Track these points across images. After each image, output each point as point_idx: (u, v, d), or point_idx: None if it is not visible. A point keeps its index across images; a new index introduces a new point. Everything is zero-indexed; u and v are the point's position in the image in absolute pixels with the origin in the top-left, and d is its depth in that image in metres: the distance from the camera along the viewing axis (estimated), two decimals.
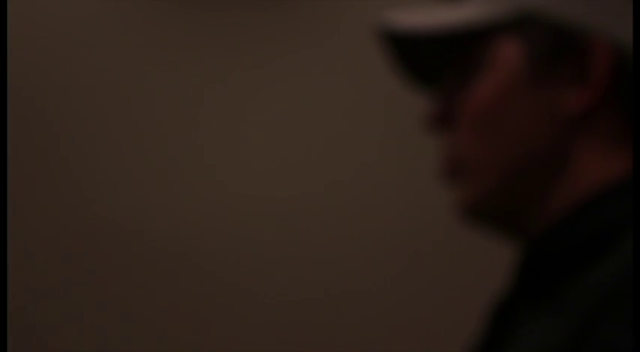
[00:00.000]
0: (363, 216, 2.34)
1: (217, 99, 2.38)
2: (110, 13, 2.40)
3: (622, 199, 0.67)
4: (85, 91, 2.39)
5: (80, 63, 2.39)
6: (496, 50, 0.72)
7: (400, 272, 2.32)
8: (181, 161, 2.37)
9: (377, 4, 2.37)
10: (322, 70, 2.37)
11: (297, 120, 2.37)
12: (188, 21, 2.39)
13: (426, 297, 2.30)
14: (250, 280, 2.34)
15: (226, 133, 2.37)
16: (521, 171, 0.71)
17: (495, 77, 0.72)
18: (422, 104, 2.32)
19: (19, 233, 2.35)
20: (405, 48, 0.79)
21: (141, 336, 2.33)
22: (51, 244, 2.35)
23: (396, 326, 2.30)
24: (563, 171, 0.70)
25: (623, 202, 0.67)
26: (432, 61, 0.80)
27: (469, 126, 0.73)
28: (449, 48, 0.77)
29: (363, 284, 2.32)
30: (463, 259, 2.30)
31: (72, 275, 2.34)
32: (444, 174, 0.76)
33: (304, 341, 2.31)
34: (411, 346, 2.29)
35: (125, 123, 2.38)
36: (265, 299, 2.33)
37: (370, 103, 2.35)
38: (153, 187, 2.36)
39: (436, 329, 2.28)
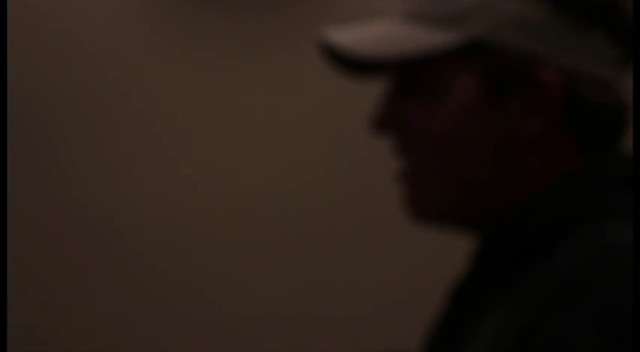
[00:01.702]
0: (348, 213, 2.34)
1: (208, 97, 2.39)
2: (105, 12, 2.40)
3: (565, 194, 0.74)
4: (77, 91, 2.39)
5: (75, 61, 2.40)
6: (450, 76, 0.76)
7: (378, 266, 2.33)
8: (175, 158, 2.37)
9: (362, 3, 2.37)
10: (309, 69, 2.38)
11: (285, 119, 2.38)
12: (179, 21, 2.40)
13: (400, 288, 2.31)
14: (240, 275, 2.34)
15: (217, 132, 2.38)
16: (473, 185, 0.77)
17: (449, 100, 0.76)
18: None
19: (18, 232, 2.35)
20: (351, 66, 0.82)
21: (136, 333, 2.34)
22: (50, 242, 2.36)
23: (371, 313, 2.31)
24: (513, 181, 0.76)
25: (566, 197, 0.74)
26: (378, 73, 0.84)
27: (426, 145, 0.77)
28: (398, 68, 0.81)
29: (345, 281, 2.33)
30: (435, 250, 2.31)
31: (71, 274, 2.35)
32: (397, 176, 0.81)
33: (295, 333, 2.32)
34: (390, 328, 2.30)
35: (118, 121, 2.38)
36: (254, 294, 2.34)
37: (353, 102, 2.36)
38: (147, 186, 2.36)
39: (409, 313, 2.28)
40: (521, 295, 0.70)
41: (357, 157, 2.36)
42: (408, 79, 0.79)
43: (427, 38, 0.76)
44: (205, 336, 2.34)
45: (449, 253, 2.32)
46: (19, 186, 2.36)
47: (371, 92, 2.36)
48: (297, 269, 2.34)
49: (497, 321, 0.71)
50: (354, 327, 2.32)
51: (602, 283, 0.63)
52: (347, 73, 0.84)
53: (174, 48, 2.39)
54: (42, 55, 2.39)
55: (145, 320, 2.34)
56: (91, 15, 2.40)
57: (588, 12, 0.76)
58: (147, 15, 2.40)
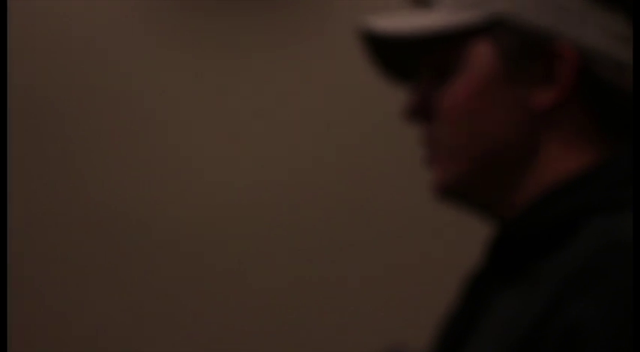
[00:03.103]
0: (352, 204, 2.35)
1: (211, 95, 2.39)
2: (110, 12, 2.40)
3: (585, 187, 0.75)
4: (85, 88, 2.40)
5: (82, 61, 2.40)
6: (470, 52, 0.80)
7: (377, 252, 2.34)
8: (179, 156, 2.38)
9: (366, 1, 2.38)
10: (309, 66, 2.38)
11: (286, 114, 2.38)
12: (184, 22, 2.40)
13: (407, 279, 2.32)
14: (243, 269, 2.35)
15: (221, 129, 2.38)
16: (492, 159, 0.79)
17: (470, 75, 0.79)
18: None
19: (21, 229, 2.35)
20: (384, 50, 0.86)
21: (145, 331, 2.34)
22: (53, 238, 2.36)
23: (378, 304, 2.31)
24: (530, 161, 0.78)
25: (585, 190, 0.75)
26: (410, 60, 0.87)
27: (447, 118, 0.80)
28: (426, 49, 0.84)
29: (349, 277, 2.34)
30: (443, 239, 2.31)
31: (72, 269, 2.35)
32: (424, 161, 0.84)
33: (293, 327, 2.33)
34: (393, 321, 2.30)
35: (122, 119, 2.39)
36: (258, 286, 2.34)
37: (355, 98, 2.36)
38: (151, 181, 2.37)
39: (417, 304, 2.29)
40: (535, 283, 0.71)
41: (360, 152, 2.36)
42: (435, 64, 0.83)
43: (450, 18, 0.80)
44: (215, 332, 2.34)
45: (452, 249, 2.33)
46: (27, 183, 2.37)
47: (373, 90, 2.36)
48: (302, 265, 2.35)
49: (510, 308, 0.73)
50: (354, 325, 2.33)
51: (617, 271, 0.65)
52: (378, 62, 0.87)
53: (182, 48, 2.39)
54: (49, 54, 2.40)
55: (153, 317, 2.34)
56: (97, 16, 2.40)
57: None
58: (153, 15, 2.40)
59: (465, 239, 2.33)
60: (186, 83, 2.40)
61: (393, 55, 0.87)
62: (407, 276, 2.33)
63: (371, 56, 0.86)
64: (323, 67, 2.38)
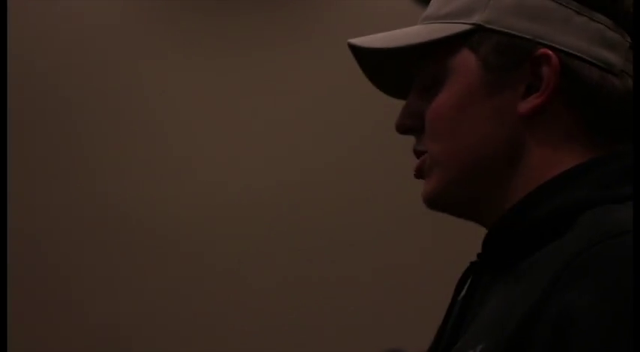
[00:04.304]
0: (352, 204, 2.35)
1: (211, 94, 2.39)
2: (106, 12, 2.41)
3: (577, 182, 0.76)
4: (84, 87, 2.40)
5: (82, 61, 2.41)
6: (454, 64, 0.80)
7: (377, 253, 2.34)
8: (179, 155, 2.38)
9: (364, 2, 2.38)
10: (309, 65, 2.38)
11: (286, 114, 2.39)
12: (184, 25, 2.41)
13: (407, 282, 2.33)
14: (243, 269, 2.35)
15: (220, 128, 2.39)
16: (480, 167, 0.79)
17: (454, 86, 0.80)
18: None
19: (20, 229, 2.36)
20: (372, 65, 0.87)
21: (145, 323, 2.35)
22: (52, 238, 2.37)
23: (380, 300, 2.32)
24: (518, 166, 0.79)
25: (578, 185, 0.75)
26: (402, 75, 0.87)
27: (432, 130, 0.81)
28: (412, 64, 0.84)
29: (352, 270, 2.34)
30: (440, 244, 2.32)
31: (72, 269, 2.36)
32: (416, 174, 0.84)
33: (294, 323, 2.33)
34: (394, 322, 2.31)
35: (122, 119, 2.39)
36: (257, 285, 2.35)
37: (355, 97, 2.37)
38: (151, 181, 2.37)
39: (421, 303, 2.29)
40: (528, 276, 0.72)
41: (360, 152, 2.36)
42: (423, 78, 0.83)
43: (433, 30, 0.81)
44: (215, 331, 2.35)
45: (452, 249, 2.33)
46: (27, 183, 2.37)
47: (373, 89, 2.36)
48: (301, 265, 2.35)
49: (503, 302, 0.73)
50: (354, 324, 2.33)
51: (609, 262, 0.66)
52: (368, 74, 0.88)
53: (182, 48, 2.40)
54: (48, 53, 2.40)
55: (152, 316, 2.35)
56: (97, 16, 2.41)
57: None
58: (153, 15, 2.41)
59: (465, 239, 2.33)
60: (186, 83, 2.40)
61: (382, 71, 0.87)
62: (407, 276, 2.33)
63: (363, 71, 0.88)
64: (323, 67, 2.38)
